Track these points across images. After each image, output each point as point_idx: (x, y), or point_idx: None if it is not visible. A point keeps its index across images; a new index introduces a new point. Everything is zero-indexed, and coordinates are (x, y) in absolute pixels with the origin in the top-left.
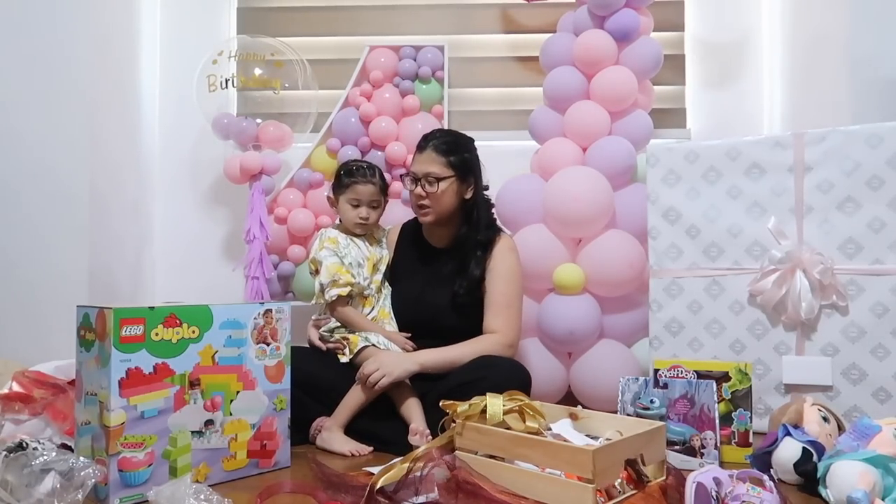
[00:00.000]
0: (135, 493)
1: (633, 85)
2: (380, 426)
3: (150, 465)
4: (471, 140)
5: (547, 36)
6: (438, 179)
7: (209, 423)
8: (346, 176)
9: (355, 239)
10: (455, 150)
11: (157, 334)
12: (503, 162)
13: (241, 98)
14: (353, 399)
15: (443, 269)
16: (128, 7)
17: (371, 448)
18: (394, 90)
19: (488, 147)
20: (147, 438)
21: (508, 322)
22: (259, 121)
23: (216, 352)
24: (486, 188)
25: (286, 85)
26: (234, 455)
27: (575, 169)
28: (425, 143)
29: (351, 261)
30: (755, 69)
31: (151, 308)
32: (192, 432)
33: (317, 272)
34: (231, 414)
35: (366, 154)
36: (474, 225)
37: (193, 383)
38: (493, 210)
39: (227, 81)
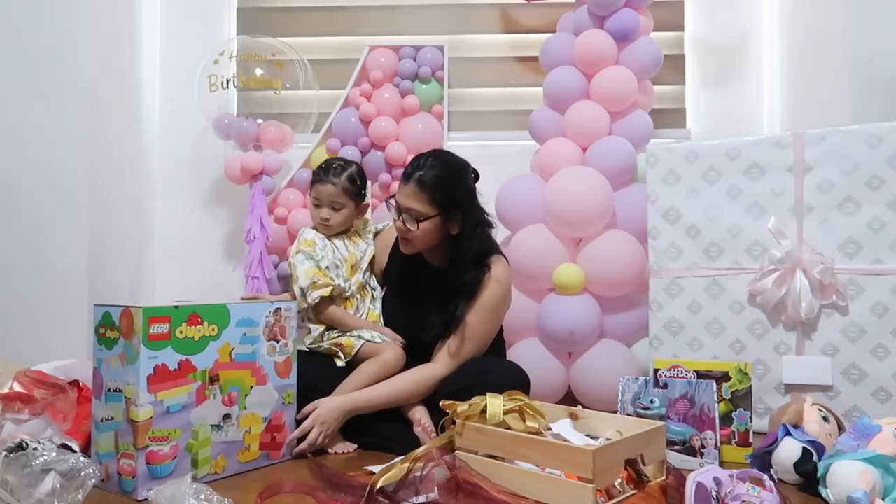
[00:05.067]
0: (161, 485)
1: (633, 85)
2: (383, 425)
3: (174, 458)
4: (463, 168)
5: (547, 36)
6: (419, 219)
7: (226, 416)
8: (314, 173)
9: (333, 239)
10: (442, 184)
11: (181, 332)
12: (503, 162)
13: (242, 98)
14: (353, 385)
15: (435, 292)
16: (128, 7)
17: (356, 446)
18: (394, 90)
19: (488, 147)
20: (172, 432)
21: (457, 358)
22: (260, 121)
23: (233, 349)
24: (480, 221)
25: (287, 85)
26: (248, 447)
27: (575, 169)
28: (411, 172)
29: (328, 263)
30: (755, 69)
31: (176, 307)
32: (212, 426)
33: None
34: (245, 408)
35: (366, 154)
36: (460, 264)
37: (213, 379)
38: (491, 230)
39: (227, 81)
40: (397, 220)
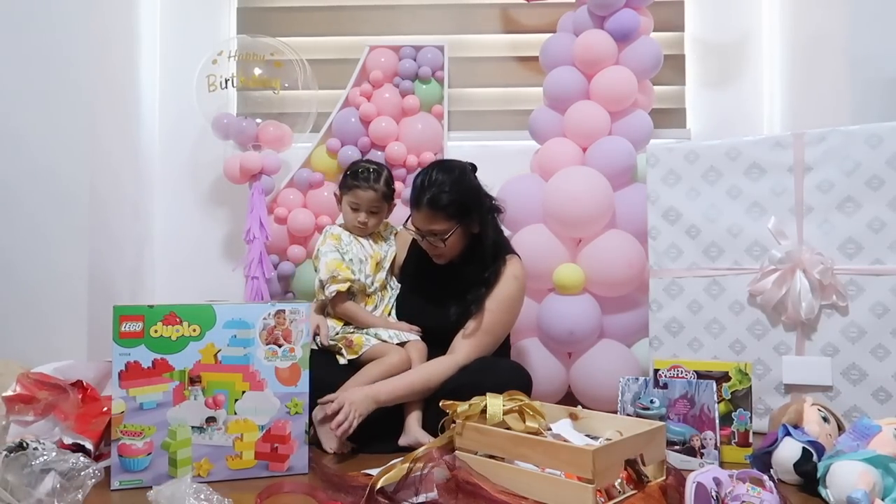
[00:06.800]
0: (133, 478)
1: (633, 85)
2: (365, 420)
3: (149, 454)
4: (463, 171)
5: (547, 36)
6: (444, 237)
7: (211, 420)
8: (351, 177)
9: (359, 237)
10: (452, 198)
11: (155, 331)
12: (503, 162)
13: (241, 98)
14: (356, 384)
15: (449, 284)
16: (128, 7)
17: (353, 446)
18: (394, 90)
19: (488, 147)
20: (146, 429)
21: (475, 348)
22: (259, 121)
23: (219, 350)
24: (490, 208)
25: (286, 85)
26: (239, 455)
27: (575, 169)
28: (419, 198)
29: (352, 257)
30: (755, 69)
31: (150, 306)
32: (193, 427)
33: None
34: (235, 413)
35: (366, 154)
36: (479, 256)
37: (194, 380)
38: (502, 217)
39: (226, 81)
40: (423, 242)
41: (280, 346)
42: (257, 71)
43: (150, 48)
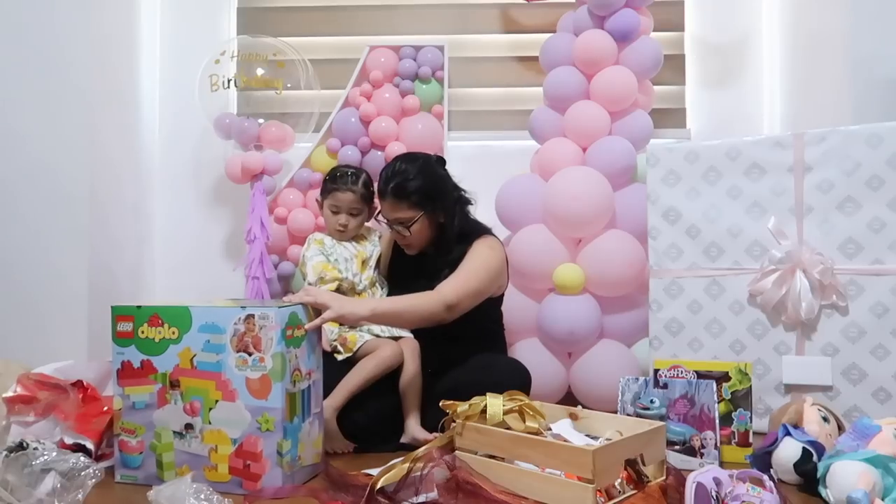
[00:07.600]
0: (131, 474)
1: (633, 85)
2: (362, 416)
3: (141, 453)
4: (427, 161)
5: (547, 36)
6: (408, 225)
7: (189, 426)
8: (329, 181)
9: (342, 242)
10: (415, 186)
11: (142, 332)
12: (503, 162)
13: (242, 98)
14: (353, 381)
15: (426, 276)
16: (128, 7)
17: (353, 445)
18: (394, 90)
19: (488, 147)
20: (138, 427)
21: (457, 285)
22: (261, 121)
23: (194, 355)
24: (458, 199)
25: (288, 85)
26: (215, 466)
27: (575, 169)
28: (384, 188)
29: (337, 257)
30: (755, 69)
31: (138, 307)
32: (174, 432)
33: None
34: (210, 423)
35: (366, 154)
36: (447, 243)
37: (174, 384)
38: (471, 209)
39: (228, 81)
40: (392, 233)
41: (250, 354)
42: (260, 71)
43: (150, 48)
